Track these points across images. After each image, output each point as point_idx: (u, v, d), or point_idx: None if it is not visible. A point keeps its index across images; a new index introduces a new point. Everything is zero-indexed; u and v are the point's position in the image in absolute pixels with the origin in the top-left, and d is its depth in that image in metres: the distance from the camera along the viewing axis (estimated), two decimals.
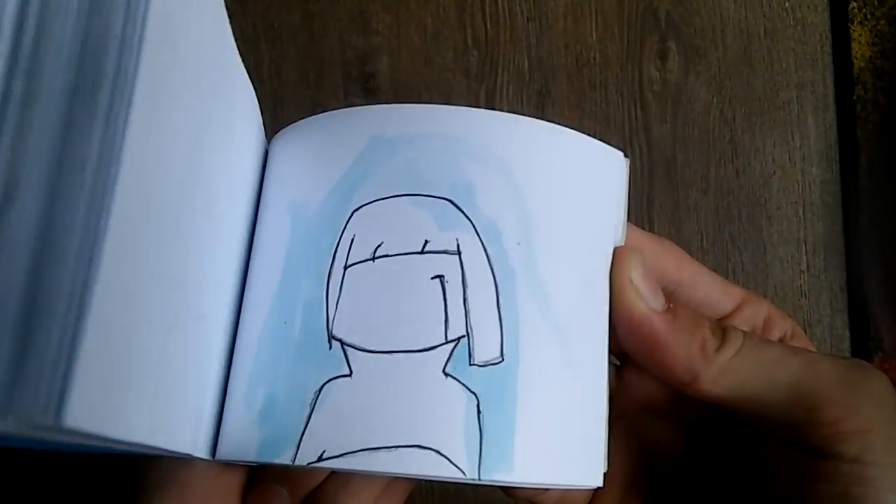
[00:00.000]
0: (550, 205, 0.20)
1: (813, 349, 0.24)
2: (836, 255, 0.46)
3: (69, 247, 0.12)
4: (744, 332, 0.21)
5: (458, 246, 0.19)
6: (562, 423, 0.19)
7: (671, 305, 0.21)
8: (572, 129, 0.20)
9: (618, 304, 0.20)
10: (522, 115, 0.20)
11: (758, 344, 0.21)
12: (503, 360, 0.18)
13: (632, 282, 0.20)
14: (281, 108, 0.47)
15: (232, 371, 0.20)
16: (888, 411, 0.20)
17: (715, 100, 0.47)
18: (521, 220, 0.19)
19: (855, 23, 0.46)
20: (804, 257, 0.46)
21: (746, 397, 0.20)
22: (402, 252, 0.19)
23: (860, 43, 0.46)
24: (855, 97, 0.46)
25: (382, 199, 0.19)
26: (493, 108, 0.48)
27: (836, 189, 0.46)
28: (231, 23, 0.48)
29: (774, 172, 0.46)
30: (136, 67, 0.13)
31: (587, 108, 0.47)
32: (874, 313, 0.45)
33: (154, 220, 0.15)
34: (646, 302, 0.20)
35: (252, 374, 0.19)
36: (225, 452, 0.19)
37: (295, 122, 0.22)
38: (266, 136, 0.25)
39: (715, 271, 0.25)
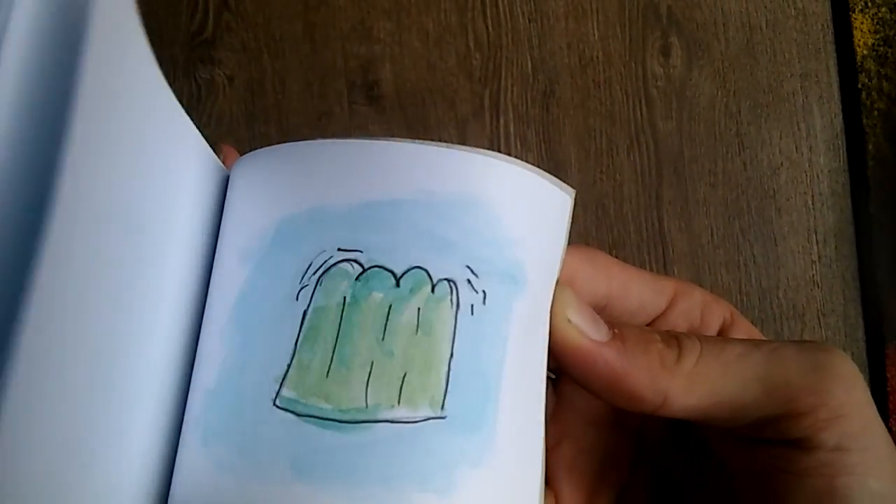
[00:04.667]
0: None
1: (756, 333, 0.24)
2: (846, 244, 0.46)
3: None
4: (698, 336, 0.20)
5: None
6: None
7: (616, 331, 0.20)
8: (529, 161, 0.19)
9: (563, 348, 0.19)
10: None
11: (716, 345, 0.20)
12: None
13: (570, 321, 0.19)
14: (286, 119, 0.47)
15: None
16: (858, 392, 0.19)
17: (719, 93, 0.47)
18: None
19: (856, 11, 0.46)
20: (815, 247, 0.46)
21: (720, 402, 0.19)
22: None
23: (862, 31, 0.46)
24: (859, 85, 0.46)
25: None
26: (497, 111, 0.48)
27: (844, 178, 0.46)
28: (232, 36, 0.48)
29: (782, 164, 0.46)
30: None
31: (592, 107, 0.47)
32: (887, 300, 0.45)
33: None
34: (590, 337, 0.19)
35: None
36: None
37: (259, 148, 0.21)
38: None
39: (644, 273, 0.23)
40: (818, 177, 0.46)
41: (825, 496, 0.18)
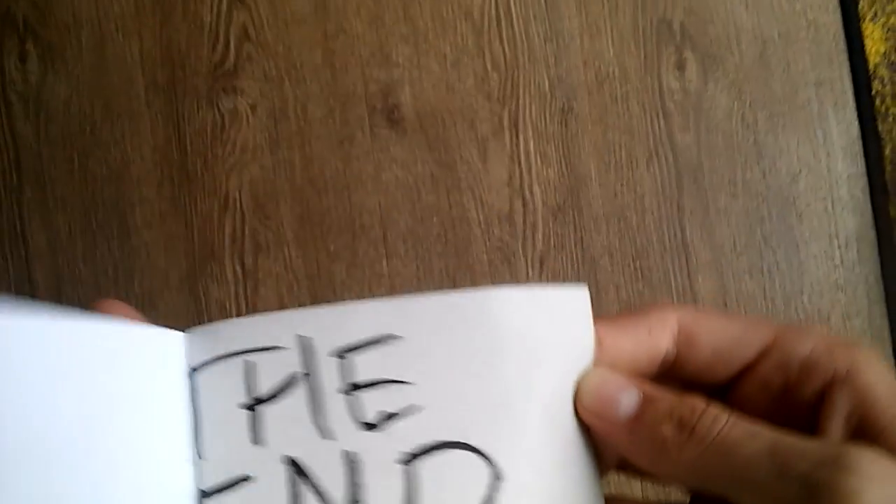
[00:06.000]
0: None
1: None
2: (868, 247, 0.46)
3: None
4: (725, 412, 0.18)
5: None
6: None
7: (642, 399, 0.19)
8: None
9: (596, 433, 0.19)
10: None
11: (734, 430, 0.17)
12: None
13: (586, 409, 0.19)
14: (309, 144, 0.48)
15: None
16: None
17: (735, 105, 0.48)
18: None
19: (866, 20, 0.47)
20: (837, 251, 0.46)
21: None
22: None
23: (873, 39, 0.47)
24: (873, 92, 0.47)
25: None
26: (517, 129, 0.49)
27: (863, 182, 0.47)
28: (254, 66, 0.49)
29: (801, 171, 0.47)
30: None
31: (610, 122, 0.48)
32: None
33: None
34: (608, 419, 0.19)
35: None
36: None
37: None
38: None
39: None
40: (837, 182, 0.47)
41: None
